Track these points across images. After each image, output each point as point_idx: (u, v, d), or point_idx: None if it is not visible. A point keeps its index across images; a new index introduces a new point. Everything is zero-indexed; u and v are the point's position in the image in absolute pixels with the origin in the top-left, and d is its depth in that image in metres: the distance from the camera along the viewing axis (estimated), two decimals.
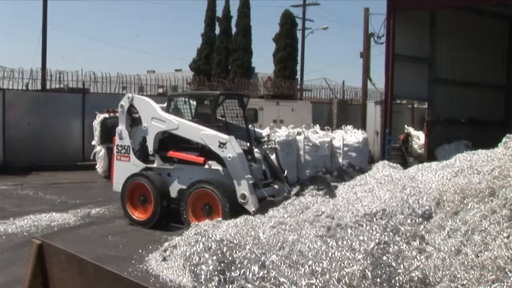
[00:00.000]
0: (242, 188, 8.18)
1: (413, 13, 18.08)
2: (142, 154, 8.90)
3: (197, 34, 45.23)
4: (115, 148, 9.02)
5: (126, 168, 8.80)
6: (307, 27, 36.77)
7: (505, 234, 3.90)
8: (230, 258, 4.15)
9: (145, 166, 8.68)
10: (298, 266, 4.16)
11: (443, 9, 18.42)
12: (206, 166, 8.36)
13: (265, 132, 13.83)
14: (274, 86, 24.70)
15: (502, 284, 3.46)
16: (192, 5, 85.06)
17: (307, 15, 37.18)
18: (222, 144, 8.40)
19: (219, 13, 42.00)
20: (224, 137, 8.46)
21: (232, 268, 4.04)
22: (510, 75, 21.06)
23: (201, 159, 8.53)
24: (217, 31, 42.11)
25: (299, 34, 38.97)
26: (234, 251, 4.22)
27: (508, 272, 3.56)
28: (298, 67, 37.88)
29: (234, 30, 41.30)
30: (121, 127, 9.03)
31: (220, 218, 6.97)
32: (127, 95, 9.42)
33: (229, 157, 8.31)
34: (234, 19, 41.26)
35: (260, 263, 4.03)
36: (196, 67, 40.61)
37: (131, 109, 9.11)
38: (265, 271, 3.95)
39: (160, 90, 22.44)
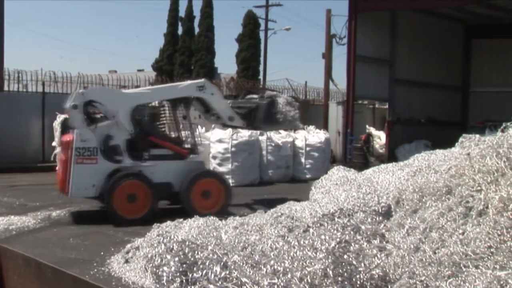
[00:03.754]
0: (228, 112, 9.66)
1: (374, 15, 18.37)
2: (108, 154, 8.65)
3: (159, 34, 44.90)
4: (73, 151, 8.46)
5: (92, 171, 8.46)
6: (270, 27, 36.99)
7: (460, 231, 4.01)
8: (192, 259, 4.14)
9: (116, 167, 8.59)
10: (260, 266, 4.18)
11: (403, 12, 18.78)
12: (189, 159, 9.00)
13: (227, 133, 13.87)
14: (237, 87, 24.69)
15: (457, 278, 3.55)
16: (154, 4, 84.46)
17: (270, 16, 37.41)
18: (200, 87, 9.34)
19: (182, 13, 41.77)
20: (200, 80, 9.63)
21: (194, 269, 4.03)
22: (467, 77, 21.65)
23: (185, 151, 9.13)
24: (180, 31, 41.87)
25: (262, 35, 39.13)
26: (196, 252, 4.21)
27: (463, 267, 3.66)
28: (261, 68, 38.03)
29: (197, 30, 41.14)
30: (80, 129, 8.57)
31: (182, 219, 6.97)
32: (77, 92, 8.93)
33: (212, 93, 9.47)
34: (197, 19, 41.09)
35: (222, 263, 4.04)
36: (159, 67, 40.33)
37: (87, 108, 8.72)
38: (227, 272, 3.96)
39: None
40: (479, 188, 4.23)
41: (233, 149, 13.93)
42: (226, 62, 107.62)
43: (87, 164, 8.47)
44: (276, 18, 49.95)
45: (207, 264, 4.04)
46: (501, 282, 3.34)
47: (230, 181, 13.51)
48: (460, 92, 21.54)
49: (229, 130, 13.81)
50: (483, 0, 17.24)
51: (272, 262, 4.18)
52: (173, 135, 9.71)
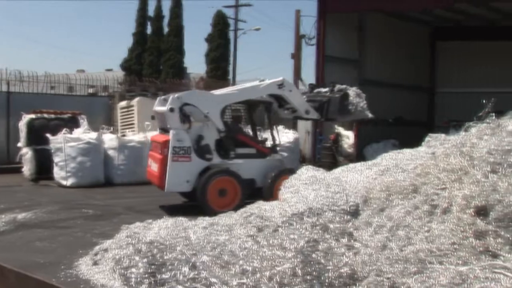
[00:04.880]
0: (305, 106, 10.54)
1: (343, 15, 18.54)
2: (200, 153, 9.49)
3: (128, 34, 44.48)
4: (170, 150, 9.27)
5: (186, 168, 9.28)
6: (239, 27, 37.04)
7: (426, 229, 4.09)
8: (160, 260, 4.12)
9: (207, 164, 9.39)
10: (230, 266, 4.18)
11: (371, 13, 19.01)
12: (269, 157, 9.84)
13: None
14: (206, 87, 24.63)
15: (422, 275, 3.63)
16: (123, 4, 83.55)
17: (240, 16, 37.44)
18: (280, 85, 10.25)
19: (151, 12, 41.43)
20: (279, 79, 10.37)
21: (163, 270, 4.01)
22: (433, 78, 22.06)
23: (267, 150, 10.06)
24: (149, 30, 41.53)
25: (231, 35, 39.10)
26: (164, 253, 4.19)
27: (428, 264, 3.74)
28: (231, 68, 38.00)
29: (166, 30, 40.87)
30: (177, 130, 9.40)
31: (151, 220, 6.93)
32: (173, 96, 9.67)
33: (290, 90, 10.42)
34: (166, 19, 40.82)
35: (191, 264, 4.03)
36: (127, 67, 39.90)
37: (182, 110, 9.51)
38: (196, 272, 3.95)
39: (91, 90, 21.92)
40: (443, 186, 4.32)
41: None
42: (195, 62, 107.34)
43: (182, 162, 9.30)
44: (246, 18, 50.04)
45: (175, 265, 4.02)
46: (463, 277, 3.42)
47: None
48: (427, 93, 21.92)
49: None
50: (449, 5, 17.58)
51: (241, 262, 4.19)
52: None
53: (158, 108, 10.14)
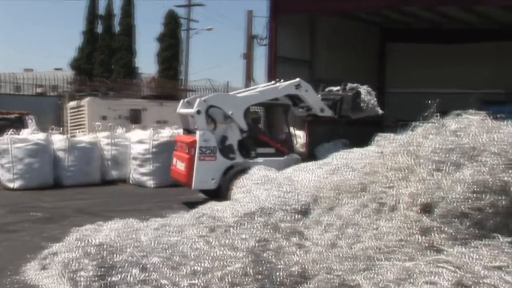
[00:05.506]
0: (320, 105, 11.25)
1: (294, 16, 18.68)
2: (224, 152, 9.99)
3: (77, 32, 43.52)
4: (197, 149, 9.84)
5: (212, 167, 9.69)
6: (191, 27, 36.81)
7: (374, 226, 4.19)
8: (110, 262, 4.06)
9: (230, 163, 9.77)
10: (180, 267, 4.16)
11: (323, 14, 19.23)
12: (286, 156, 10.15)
13: (147, 133, 13.68)
14: (158, 87, 24.43)
15: (371, 271, 3.71)
16: (72, 1, 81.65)
17: (192, 16, 37.22)
18: (297, 86, 10.91)
19: (101, 10, 40.65)
20: (296, 80, 11.02)
21: (113, 272, 3.95)
22: (382, 78, 22.53)
23: (285, 149, 10.47)
24: (100, 29, 40.74)
25: (183, 35, 38.84)
26: (114, 255, 4.13)
27: (376, 260, 3.83)
28: (183, 68, 37.74)
29: (117, 28, 40.21)
30: (203, 130, 9.98)
31: (101, 222, 6.82)
32: (199, 99, 10.21)
33: (306, 90, 11.02)
34: (117, 18, 40.15)
35: (141, 266, 3.99)
36: (77, 66, 39.03)
37: (208, 112, 10.05)
38: (146, 274, 3.91)
39: (39, 90, 21.38)
40: (391, 184, 4.43)
41: (153, 149, 13.72)
42: (147, 62, 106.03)
43: (208, 161, 9.75)
44: (198, 18, 49.86)
45: (125, 267, 3.97)
46: (409, 272, 3.52)
47: (151, 182, 13.38)
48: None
49: (150, 130, 13.69)
50: (396, 6, 17.98)
51: (192, 262, 4.17)
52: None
53: (182, 110, 10.84)
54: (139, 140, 13.98)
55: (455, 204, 4.01)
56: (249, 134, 10.31)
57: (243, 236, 4.67)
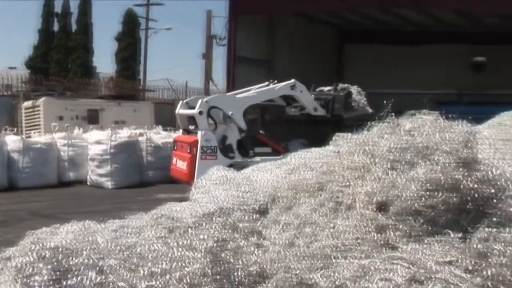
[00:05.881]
0: (313, 104, 12.12)
1: (253, 17, 18.76)
2: (224, 152, 10.56)
3: (33, 30, 42.48)
4: (199, 149, 10.34)
5: (212, 165, 9.79)
6: (150, 27, 36.52)
7: (331, 225, 4.25)
8: (66, 265, 3.98)
9: (230, 162, 10.13)
10: (138, 268, 4.12)
11: (281, 15, 19.37)
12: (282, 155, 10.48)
13: (105, 134, 13.51)
14: (116, 87, 24.13)
15: (328, 270, 3.77)
16: None
17: (151, 15, 36.93)
18: (292, 86, 11.59)
19: (57, 8, 39.80)
20: (291, 81, 11.72)
21: (68, 276, 3.89)
22: (340, 79, 22.84)
23: (282, 149, 11.08)
24: (56, 27, 39.89)
25: (142, 34, 38.46)
26: (70, 258, 4.06)
27: (333, 259, 3.89)
28: (141, 67, 37.35)
29: (74, 27, 39.46)
30: (205, 131, 10.52)
31: (58, 224, 6.69)
32: (201, 101, 10.71)
33: (301, 91, 11.81)
34: (74, 16, 39.38)
35: (97, 268, 3.93)
36: (33, 65, 38.12)
37: (210, 113, 10.68)
38: (103, 276, 3.86)
39: None
40: (347, 183, 4.50)
41: (112, 150, 13.59)
42: (105, 61, 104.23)
43: (209, 160, 10.13)
44: (157, 17, 49.18)
45: (81, 270, 3.91)
46: (365, 270, 3.60)
47: (109, 183, 13.23)
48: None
49: (108, 131, 13.56)
50: (353, 8, 18.27)
51: (149, 264, 4.14)
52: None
53: (181, 111, 11.42)
54: (97, 141, 13.82)
55: (409, 202, 4.10)
56: (247, 134, 10.90)
57: (202, 237, 4.66)
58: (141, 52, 38.09)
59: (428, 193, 4.11)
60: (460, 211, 4.21)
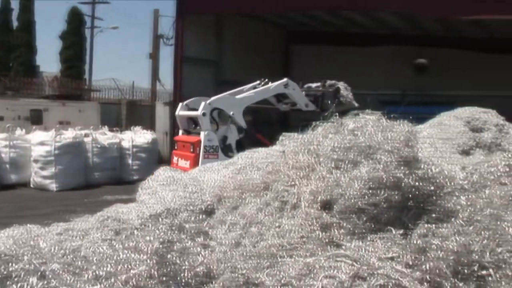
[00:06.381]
0: (304, 101, 12.74)
1: (201, 16, 18.72)
2: (224, 151, 11.10)
3: None
4: (202, 148, 10.89)
5: None
6: (96, 25, 35.81)
7: (277, 224, 4.29)
8: (5, 272, 3.86)
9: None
10: (82, 272, 4.04)
11: (229, 15, 19.40)
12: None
13: (50, 134, 13.17)
14: (60, 86, 23.56)
15: (274, 269, 3.80)
16: None
17: (97, 13, 36.23)
18: (285, 85, 12.37)
19: None
20: (284, 79, 12.50)
21: (8, 283, 3.77)
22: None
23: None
24: None
25: (87, 33, 37.68)
26: (10, 264, 3.93)
27: (279, 258, 3.93)
28: (87, 67, 36.57)
29: (15, 24, 38.23)
30: (208, 131, 11.22)
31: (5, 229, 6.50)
32: (204, 103, 11.40)
33: (293, 89, 12.53)
34: (16, 12, 38.14)
35: (39, 273, 3.83)
36: None
37: (212, 114, 11.37)
38: (45, 282, 3.77)
39: None
40: (292, 183, 4.56)
41: (56, 151, 13.26)
42: (49, 60, 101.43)
43: (211, 159, 10.40)
44: (103, 16, 48.21)
45: (22, 276, 3.79)
46: (310, 268, 3.65)
47: (54, 185, 12.93)
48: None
49: (52, 131, 13.25)
50: (301, 10, 18.50)
51: (94, 267, 4.06)
52: None
53: (182, 112, 12.10)
54: (40, 142, 13.47)
55: (353, 201, 4.19)
56: (246, 134, 11.25)
57: (148, 238, 4.61)
58: (87, 51, 37.33)
59: (371, 191, 4.21)
60: (401, 208, 4.33)
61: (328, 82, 13.70)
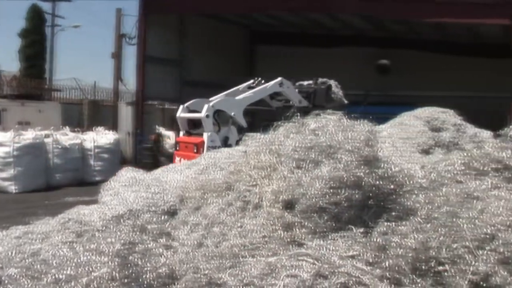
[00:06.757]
0: (298, 97, 13.45)
1: (164, 16, 18.59)
2: None
3: None
4: (205, 149, 11.09)
5: None
6: (57, 24, 35.13)
7: (239, 224, 4.30)
8: None
9: None
10: (41, 276, 3.97)
11: (192, 15, 19.32)
12: None
13: (8, 135, 12.88)
14: (19, 86, 23.00)
15: (236, 269, 3.81)
16: None
17: (58, 12, 35.49)
18: (280, 84, 13.06)
19: None
20: (279, 79, 13.11)
21: None
22: (250, 78, 23.11)
23: None
24: None
25: (48, 31, 36.92)
26: None
27: (241, 258, 3.94)
28: (48, 66, 35.84)
29: None
30: (211, 132, 11.68)
31: None
32: (208, 105, 11.87)
33: (288, 87, 13.23)
34: None
35: None
36: None
37: (215, 116, 11.89)
38: (1, 287, 3.69)
39: None
40: (254, 183, 4.57)
41: (15, 152, 12.98)
42: (8, 58, 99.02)
43: None
44: (64, 14, 47.30)
45: None
46: (272, 267, 3.67)
47: (13, 187, 12.67)
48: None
49: (11, 132, 12.98)
50: (262, 10, 18.56)
51: (53, 270, 4.00)
52: None
53: (183, 114, 12.60)
54: None
55: (314, 200, 4.22)
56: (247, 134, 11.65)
57: (110, 240, 4.56)
58: (48, 50, 36.57)
59: (332, 190, 4.26)
60: (362, 207, 4.39)
61: (320, 80, 14.34)
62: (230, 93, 13.50)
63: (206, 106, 11.90)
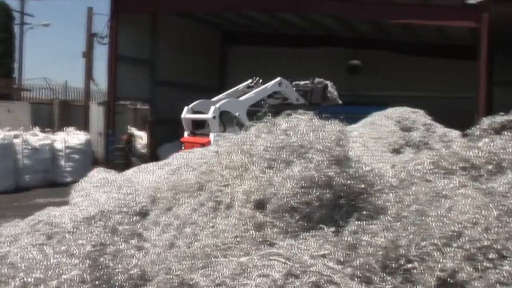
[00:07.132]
0: (295, 95, 14.09)
1: (136, 16, 18.47)
2: None
3: None
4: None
5: None
6: (26, 22, 34.53)
7: (211, 224, 4.30)
8: None
9: None
10: (9, 280, 3.91)
11: (164, 15, 19.22)
12: None
13: None
14: None
15: (208, 269, 3.81)
16: None
17: (27, 9, 34.88)
18: (279, 84, 13.73)
19: None
20: (278, 79, 13.80)
21: None
22: (223, 79, 23.13)
23: None
24: None
25: (17, 29, 36.25)
26: None
27: (213, 258, 3.95)
28: (16, 65, 35.19)
29: None
30: (217, 133, 12.03)
31: None
32: (214, 106, 12.46)
33: (286, 86, 13.95)
34: None
35: None
36: None
37: (221, 117, 12.39)
38: None
39: None
40: (226, 183, 4.58)
41: None
42: None
43: None
44: (33, 12, 46.61)
45: None
46: (243, 267, 3.68)
47: None
48: (217, 94, 22.88)
49: None
50: (235, 10, 18.56)
51: (22, 274, 3.93)
52: None
53: (188, 115, 13.07)
54: None
55: (285, 200, 4.25)
56: None
57: (80, 242, 4.51)
58: (16, 49, 35.92)
59: (303, 190, 4.29)
60: (333, 206, 4.44)
61: (317, 79, 14.99)
62: (231, 93, 14.08)
63: (212, 108, 12.42)
